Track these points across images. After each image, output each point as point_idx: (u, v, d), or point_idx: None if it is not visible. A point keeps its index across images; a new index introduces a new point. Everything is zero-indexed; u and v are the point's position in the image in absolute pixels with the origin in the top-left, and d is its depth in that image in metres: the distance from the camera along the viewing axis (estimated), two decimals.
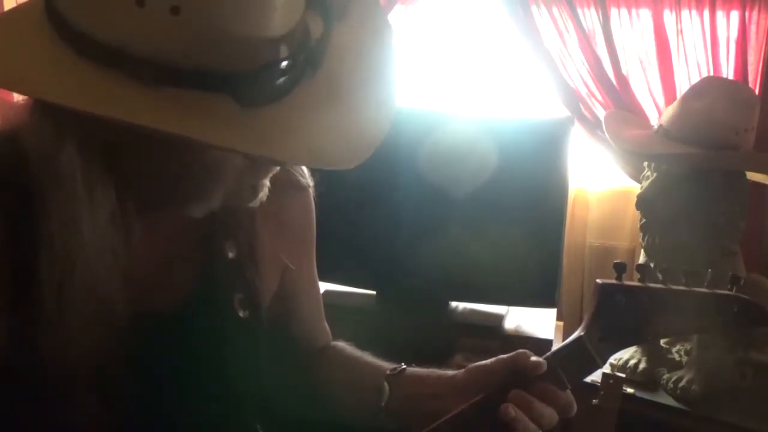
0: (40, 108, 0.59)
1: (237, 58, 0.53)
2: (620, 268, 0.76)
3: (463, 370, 0.78)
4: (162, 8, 0.51)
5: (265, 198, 0.70)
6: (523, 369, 0.72)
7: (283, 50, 0.56)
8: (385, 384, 0.82)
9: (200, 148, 0.60)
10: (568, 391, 0.73)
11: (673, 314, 0.75)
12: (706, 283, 0.77)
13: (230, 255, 0.76)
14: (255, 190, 0.68)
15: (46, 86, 0.54)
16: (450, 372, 0.80)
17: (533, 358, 0.72)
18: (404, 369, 0.83)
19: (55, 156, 0.58)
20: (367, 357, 0.90)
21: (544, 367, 0.71)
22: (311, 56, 0.59)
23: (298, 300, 0.90)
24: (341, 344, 0.94)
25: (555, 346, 1.54)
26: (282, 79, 0.56)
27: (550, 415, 0.71)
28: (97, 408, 0.65)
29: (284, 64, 0.56)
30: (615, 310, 0.75)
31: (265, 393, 0.82)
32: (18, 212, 0.62)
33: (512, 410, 0.69)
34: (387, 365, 0.85)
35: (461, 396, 0.74)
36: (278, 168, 0.68)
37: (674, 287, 0.76)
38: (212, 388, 0.75)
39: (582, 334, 0.74)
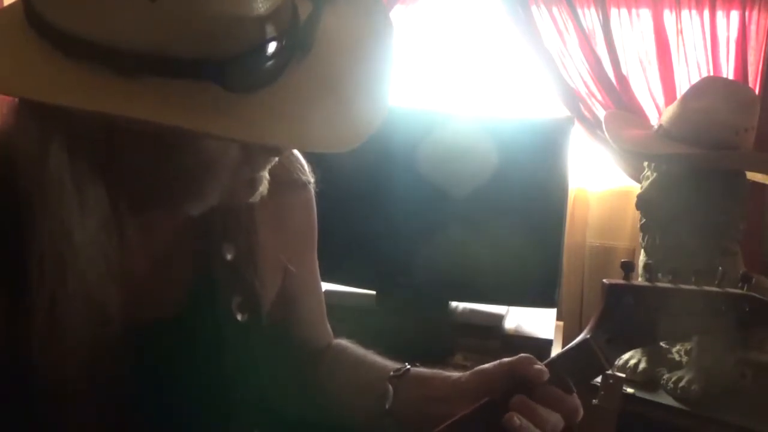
0: (26, 109, 0.58)
1: (221, 42, 0.52)
2: (628, 268, 0.74)
3: (467, 373, 0.76)
4: None
5: (265, 192, 0.68)
6: (524, 377, 0.70)
7: (270, 30, 0.54)
8: (389, 386, 0.80)
9: (192, 141, 0.58)
10: (575, 395, 0.71)
11: (683, 314, 0.73)
12: (716, 282, 0.75)
13: (228, 257, 0.75)
14: (253, 184, 0.66)
15: (28, 84, 0.52)
16: (454, 374, 0.78)
17: (536, 366, 0.70)
18: (408, 370, 0.82)
19: (43, 158, 0.56)
20: (370, 356, 0.88)
21: (546, 376, 0.69)
22: (300, 38, 0.57)
23: (300, 300, 0.88)
24: (344, 343, 0.93)
25: (555, 346, 1.54)
26: (270, 63, 0.54)
27: (556, 420, 0.69)
28: (93, 416, 0.64)
29: (272, 46, 0.54)
30: (623, 311, 0.72)
31: (265, 397, 0.81)
32: (7, 218, 0.61)
33: (517, 419, 0.67)
34: (390, 366, 0.83)
35: (466, 399, 0.72)
36: (276, 160, 0.66)
37: (684, 287, 0.74)
38: (211, 393, 0.74)
39: (588, 336, 0.72)
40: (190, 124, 0.51)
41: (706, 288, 0.74)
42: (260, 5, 0.53)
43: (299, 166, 0.82)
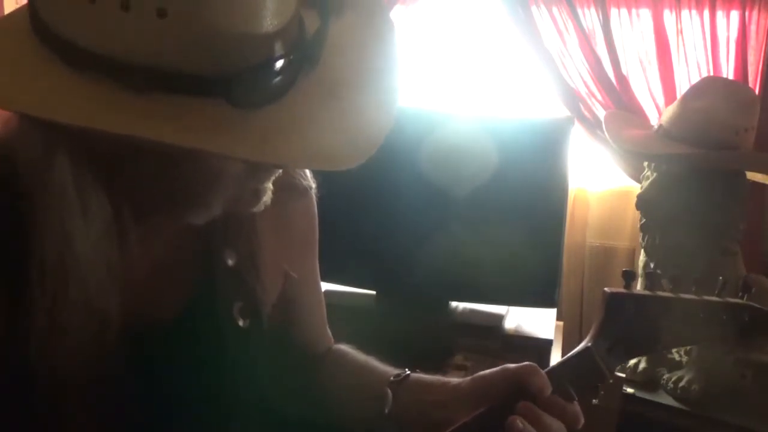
0: (30, 117, 0.56)
1: (229, 58, 0.51)
2: (629, 277, 0.74)
3: (468, 379, 0.75)
4: (148, 11, 0.49)
5: (269, 202, 0.67)
6: (527, 388, 0.69)
7: (278, 47, 0.54)
8: (389, 391, 0.80)
9: (197, 156, 0.58)
10: (575, 403, 0.70)
11: (683, 324, 0.73)
12: (717, 291, 0.75)
13: (229, 262, 0.74)
14: (257, 194, 0.66)
15: (33, 100, 0.52)
16: (454, 380, 0.78)
17: (540, 379, 0.69)
18: (408, 375, 0.81)
19: (47, 166, 0.56)
20: (370, 361, 0.88)
21: (549, 391, 0.69)
22: (308, 53, 0.57)
23: (301, 305, 0.88)
24: (344, 347, 0.92)
25: (555, 346, 1.54)
26: (278, 79, 0.54)
27: (558, 428, 0.68)
28: (93, 419, 0.64)
29: (280, 62, 0.54)
30: (624, 320, 0.72)
31: (265, 401, 0.80)
32: (10, 225, 0.60)
33: (520, 423, 0.66)
34: (390, 371, 0.83)
35: (466, 405, 0.72)
36: (280, 171, 0.66)
37: (684, 296, 0.73)
38: (211, 397, 0.73)
39: (589, 345, 0.72)
40: (196, 143, 0.51)
41: (706, 297, 0.74)
42: (269, 22, 0.53)
43: (300, 171, 0.82)
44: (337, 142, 0.55)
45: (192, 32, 0.50)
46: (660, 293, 0.74)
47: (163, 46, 0.50)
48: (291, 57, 0.55)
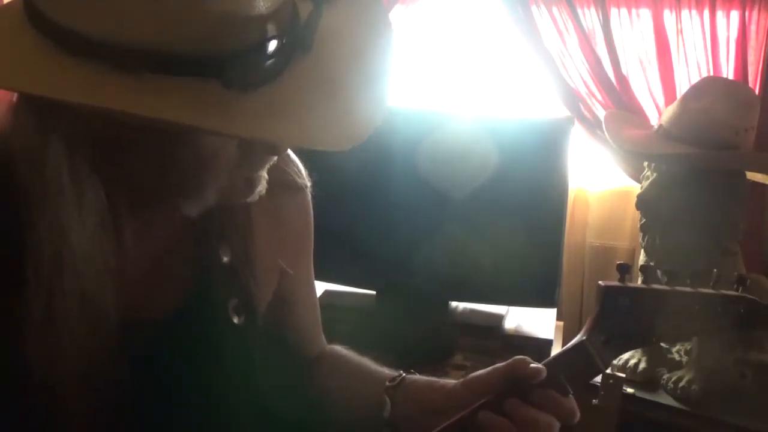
0: (24, 107, 0.58)
1: (222, 39, 0.52)
2: (624, 270, 0.74)
3: (461, 382, 0.76)
4: None
5: (263, 192, 0.68)
6: (521, 377, 0.69)
7: (270, 29, 0.54)
8: (386, 398, 0.80)
9: (191, 137, 0.58)
10: (571, 397, 0.70)
11: (678, 317, 0.72)
12: (711, 284, 0.75)
13: (225, 259, 0.75)
14: (251, 183, 0.66)
15: (30, 81, 0.52)
16: (449, 383, 0.78)
17: (532, 365, 0.70)
18: (403, 378, 0.81)
19: (41, 156, 0.57)
20: (365, 363, 0.88)
21: (544, 374, 0.69)
22: (300, 37, 0.57)
23: (295, 304, 0.88)
24: (337, 349, 0.93)
25: (555, 346, 1.54)
26: (271, 61, 0.55)
27: (547, 421, 0.68)
28: (89, 416, 0.64)
29: (272, 44, 0.55)
30: (618, 313, 0.72)
31: (261, 400, 0.80)
32: (5, 217, 0.60)
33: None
34: (385, 374, 0.83)
35: (462, 410, 0.71)
36: (275, 158, 0.67)
37: (679, 288, 0.73)
38: (206, 394, 0.74)
39: (584, 338, 0.71)
40: (190, 120, 0.51)
41: (702, 290, 0.74)
42: (261, 4, 0.53)
43: (296, 169, 0.82)
44: (328, 125, 0.56)
45: (185, 13, 0.51)
46: (655, 286, 0.74)
47: (157, 27, 0.51)
48: (284, 40, 0.55)
